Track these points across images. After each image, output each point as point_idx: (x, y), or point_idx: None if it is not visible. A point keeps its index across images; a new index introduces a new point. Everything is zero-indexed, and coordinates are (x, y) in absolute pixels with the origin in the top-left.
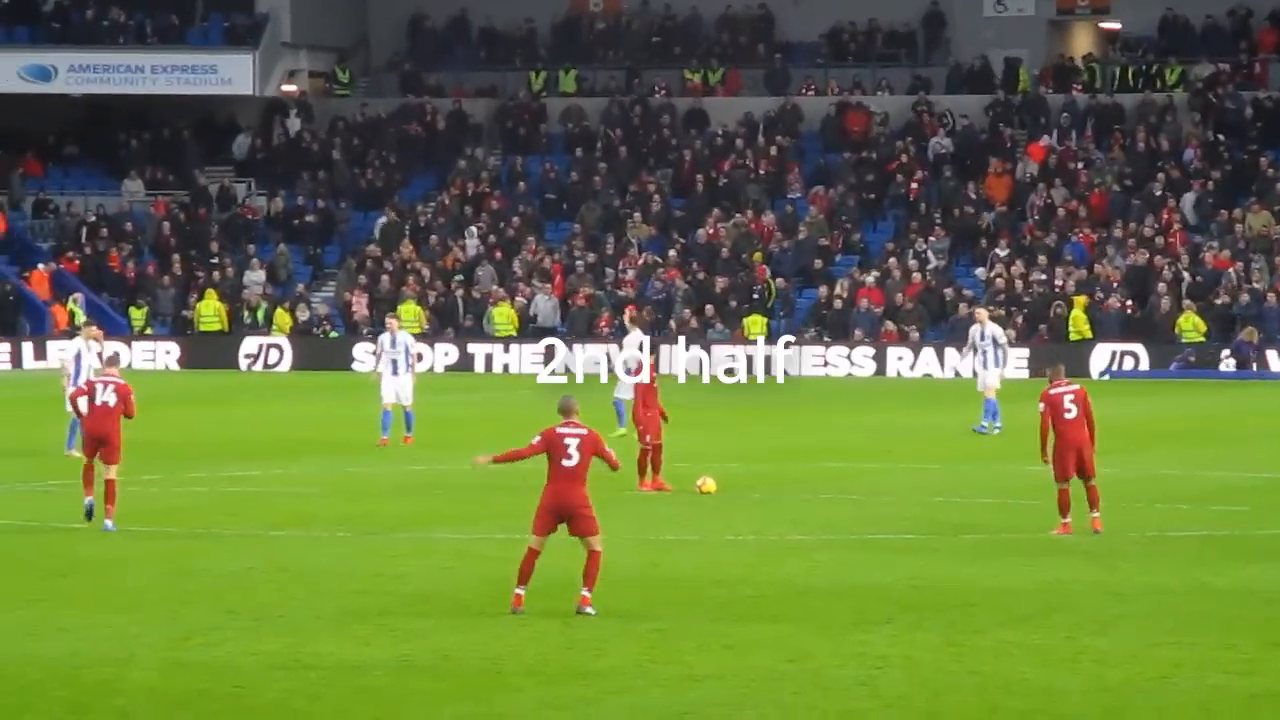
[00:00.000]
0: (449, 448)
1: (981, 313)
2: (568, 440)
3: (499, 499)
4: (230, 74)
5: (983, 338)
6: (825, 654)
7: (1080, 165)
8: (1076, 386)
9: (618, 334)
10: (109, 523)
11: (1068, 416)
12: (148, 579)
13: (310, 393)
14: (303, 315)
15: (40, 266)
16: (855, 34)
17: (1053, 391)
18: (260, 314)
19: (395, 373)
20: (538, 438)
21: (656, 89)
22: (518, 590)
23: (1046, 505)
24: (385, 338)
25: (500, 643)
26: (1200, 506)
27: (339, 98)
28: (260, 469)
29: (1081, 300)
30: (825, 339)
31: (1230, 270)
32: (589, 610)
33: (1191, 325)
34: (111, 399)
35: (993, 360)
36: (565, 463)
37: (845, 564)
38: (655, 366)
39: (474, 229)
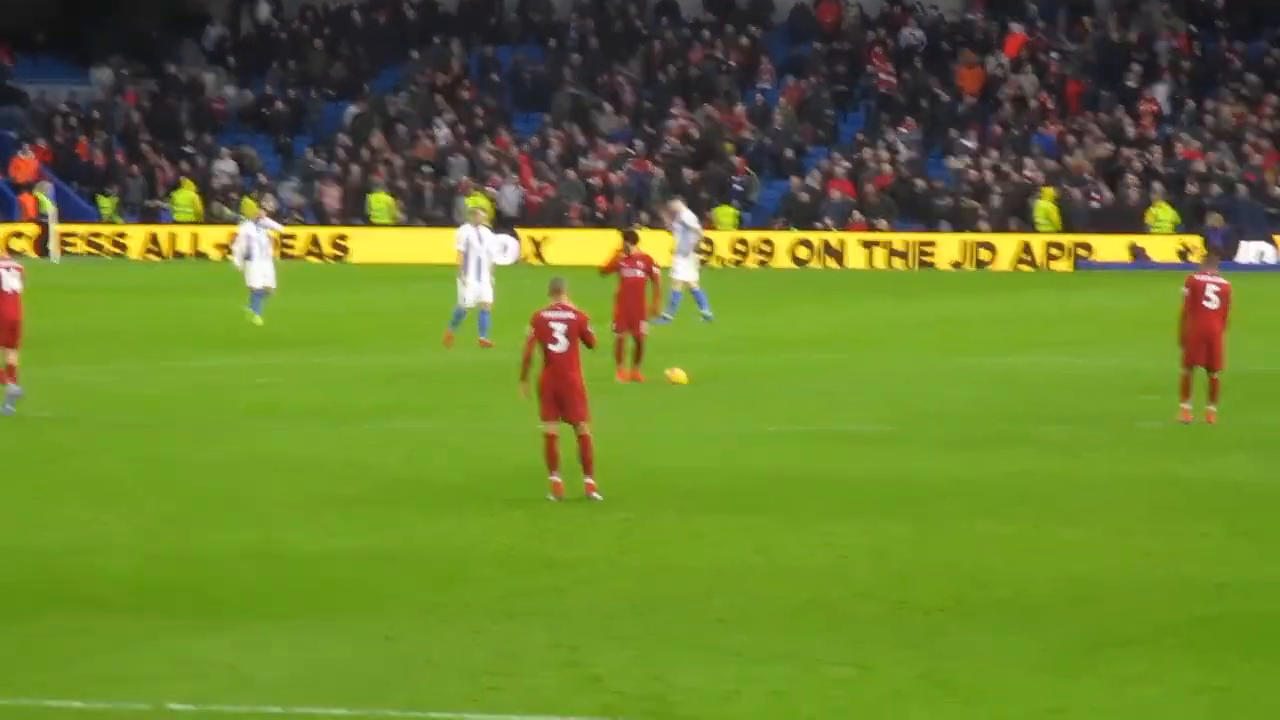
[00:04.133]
0: (416, 338)
1: (676, 203)
2: (553, 325)
3: (465, 389)
4: None
5: (676, 225)
6: (794, 544)
7: (1052, 56)
8: (1223, 279)
9: (588, 224)
10: (9, 406)
11: (1207, 305)
12: (117, 469)
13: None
14: (269, 205)
15: (21, 153)
16: None
17: (1198, 278)
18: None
19: (479, 275)
20: (529, 328)
21: None
22: (553, 478)
23: (1015, 397)
24: (469, 232)
25: (468, 532)
26: (1169, 397)
27: None
28: (233, 359)
29: (1050, 192)
30: (794, 229)
31: (1200, 160)
32: (596, 496)
33: (1166, 216)
34: (18, 284)
35: (686, 247)
36: (553, 348)
37: (814, 455)
38: (635, 260)
39: (443, 120)
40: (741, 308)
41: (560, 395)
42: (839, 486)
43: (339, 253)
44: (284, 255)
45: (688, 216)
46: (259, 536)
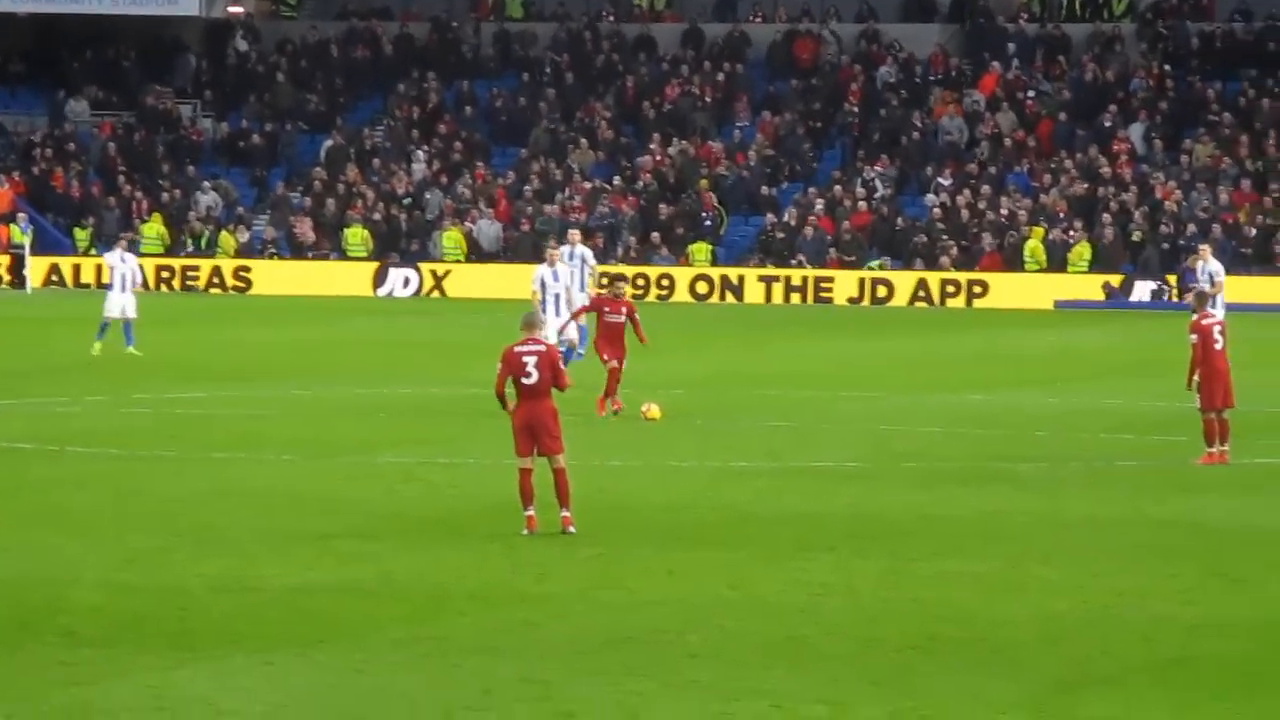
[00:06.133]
0: (394, 371)
1: (574, 234)
2: (525, 358)
3: (444, 423)
4: None
5: (571, 258)
6: (767, 580)
7: (1028, 95)
8: (1222, 318)
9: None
10: None
11: (1216, 348)
12: (92, 500)
13: (252, 314)
14: (243, 238)
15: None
16: None
17: (1204, 322)
18: (204, 240)
19: (557, 312)
20: (499, 364)
21: (604, 14)
22: (527, 512)
23: (989, 434)
24: (544, 271)
25: (444, 566)
26: (1142, 436)
27: (286, 19)
28: (205, 391)
29: (1039, 231)
30: (769, 265)
31: (1170, 201)
32: (571, 530)
33: (1085, 256)
34: None
35: (584, 283)
36: (525, 380)
37: (787, 491)
38: (620, 306)
39: (420, 153)
40: (711, 344)
41: (534, 428)
42: (812, 523)
43: (241, 284)
44: (186, 287)
45: (585, 250)
46: (233, 569)
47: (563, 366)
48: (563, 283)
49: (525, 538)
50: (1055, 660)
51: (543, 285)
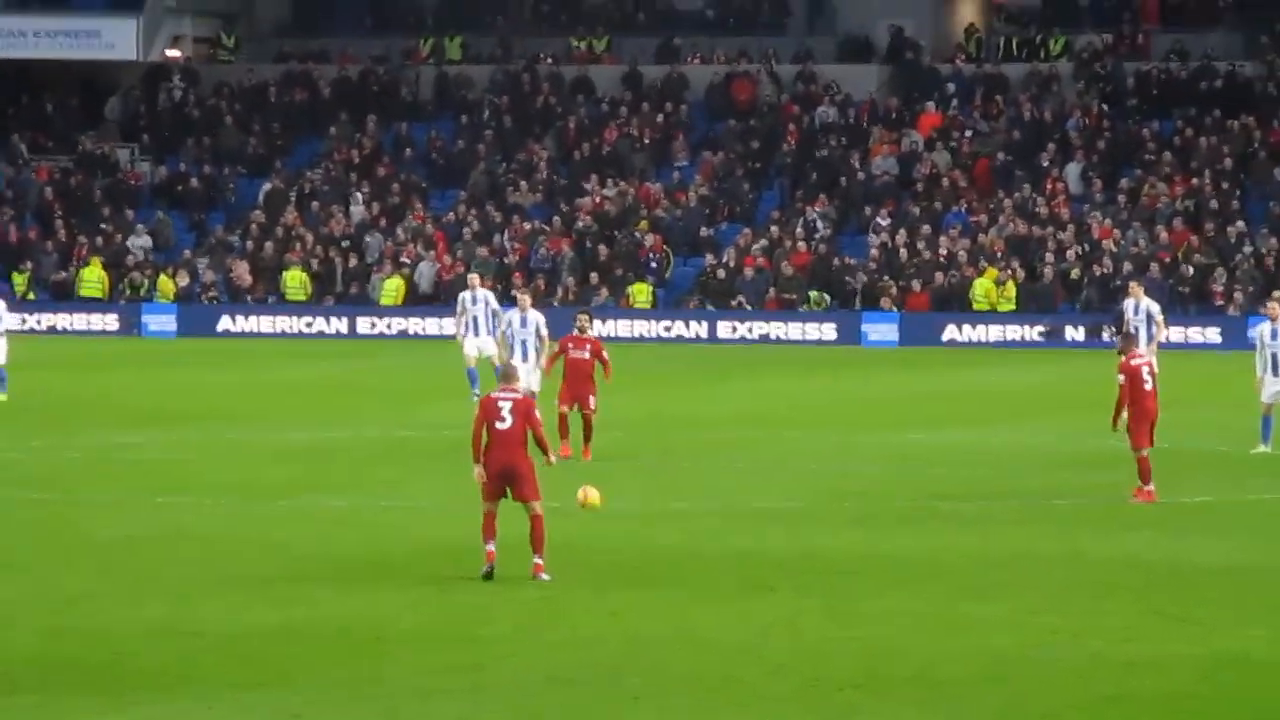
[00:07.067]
0: (331, 414)
1: (474, 278)
2: (501, 404)
3: (380, 467)
4: (113, 39)
5: (474, 302)
6: (709, 620)
7: (966, 135)
8: (1150, 359)
9: (507, 306)
10: None
11: (1146, 388)
12: (28, 544)
13: (191, 358)
14: (183, 281)
15: None
16: (742, 3)
17: (1132, 363)
18: (144, 288)
19: (477, 332)
20: (477, 410)
21: (542, 56)
22: (488, 547)
23: (927, 473)
24: (466, 295)
25: (382, 609)
26: (1078, 474)
27: (223, 63)
28: (142, 435)
29: (993, 272)
30: (709, 306)
31: (1110, 240)
32: (544, 577)
33: (1006, 295)
34: None
35: (495, 330)
36: (499, 425)
37: (728, 531)
38: (584, 343)
39: (359, 195)
40: (645, 385)
41: (508, 476)
42: (753, 562)
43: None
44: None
45: (487, 294)
46: (169, 613)
47: (537, 415)
48: (531, 328)
49: (465, 581)
50: (994, 697)
51: (510, 332)
